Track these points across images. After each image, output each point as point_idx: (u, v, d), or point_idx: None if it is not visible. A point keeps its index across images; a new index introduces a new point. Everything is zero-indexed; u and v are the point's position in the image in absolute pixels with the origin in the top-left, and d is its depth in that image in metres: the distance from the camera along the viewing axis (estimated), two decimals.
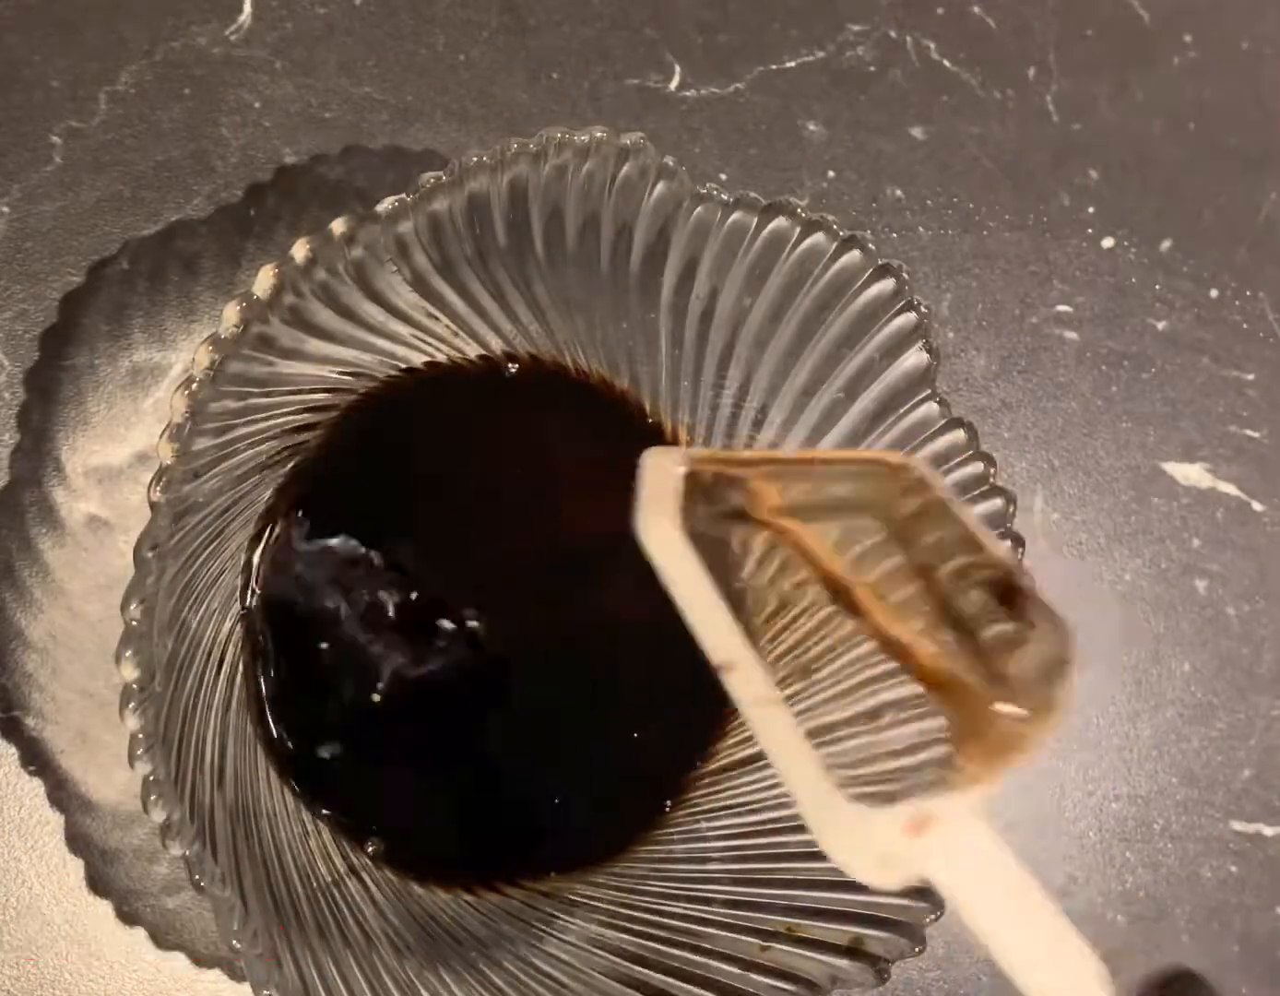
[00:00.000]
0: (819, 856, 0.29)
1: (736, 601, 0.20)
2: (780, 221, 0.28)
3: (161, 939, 0.33)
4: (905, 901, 0.27)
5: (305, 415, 0.30)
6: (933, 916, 0.27)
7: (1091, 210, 0.40)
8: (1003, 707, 0.20)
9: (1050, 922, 0.18)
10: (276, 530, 0.31)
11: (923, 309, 0.28)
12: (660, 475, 0.21)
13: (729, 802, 0.31)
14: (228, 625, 0.30)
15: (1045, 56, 0.41)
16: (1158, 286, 0.40)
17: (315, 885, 0.29)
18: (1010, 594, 0.21)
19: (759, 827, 0.30)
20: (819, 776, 0.19)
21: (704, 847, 0.31)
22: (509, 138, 0.26)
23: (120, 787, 0.33)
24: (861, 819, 0.18)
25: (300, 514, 0.31)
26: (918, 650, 0.22)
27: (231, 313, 0.25)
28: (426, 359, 0.32)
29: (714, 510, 0.22)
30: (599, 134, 0.26)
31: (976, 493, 0.29)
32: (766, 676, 0.19)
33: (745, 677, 0.19)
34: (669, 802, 0.32)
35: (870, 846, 0.18)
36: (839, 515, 0.23)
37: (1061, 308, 0.39)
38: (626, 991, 0.28)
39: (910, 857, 0.18)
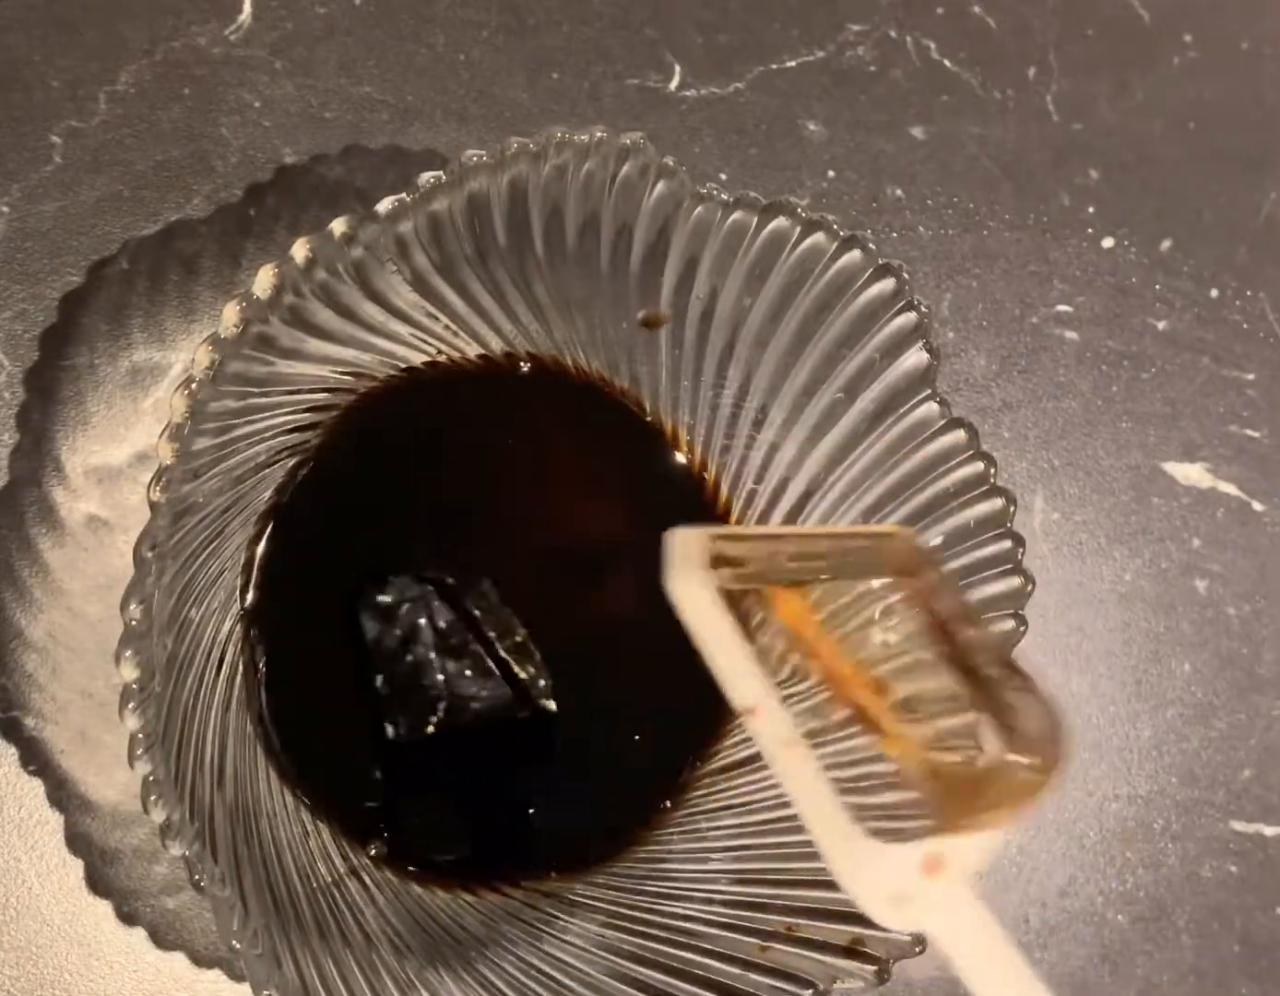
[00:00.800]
0: (819, 856, 0.29)
1: (759, 654, 0.21)
2: (780, 221, 0.28)
3: (161, 939, 0.33)
4: None
5: (305, 415, 0.30)
6: None
7: (1091, 210, 0.40)
8: (1017, 757, 0.21)
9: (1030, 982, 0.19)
10: (277, 530, 0.31)
11: (923, 309, 0.28)
12: (686, 542, 0.22)
13: (729, 802, 0.31)
14: (228, 625, 0.30)
15: (1045, 56, 0.41)
16: (1158, 286, 0.40)
17: (315, 885, 0.29)
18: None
19: (759, 827, 0.30)
20: (839, 814, 0.19)
21: (704, 847, 0.31)
22: (509, 138, 0.26)
23: (120, 787, 0.33)
24: (879, 855, 0.19)
25: (300, 514, 0.31)
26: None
27: (231, 313, 0.25)
28: (426, 359, 0.32)
29: (736, 575, 0.23)
30: (599, 134, 0.26)
31: (977, 492, 0.29)
32: (789, 719, 0.20)
33: (769, 720, 0.20)
34: (669, 802, 0.32)
35: (886, 882, 0.19)
36: (855, 585, 0.24)
37: (1061, 308, 0.39)
38: (626, 991, 0.28)
39: (922, 896, 0.19)
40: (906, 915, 0.19)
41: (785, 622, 0.23)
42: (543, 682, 0.31)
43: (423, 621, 0.31)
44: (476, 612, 0.31)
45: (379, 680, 0.31)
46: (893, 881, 0.19)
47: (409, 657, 0.31)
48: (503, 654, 0.31)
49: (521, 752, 0.33)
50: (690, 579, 0.21)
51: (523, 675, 0.31)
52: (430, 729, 0.31)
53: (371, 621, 0.31)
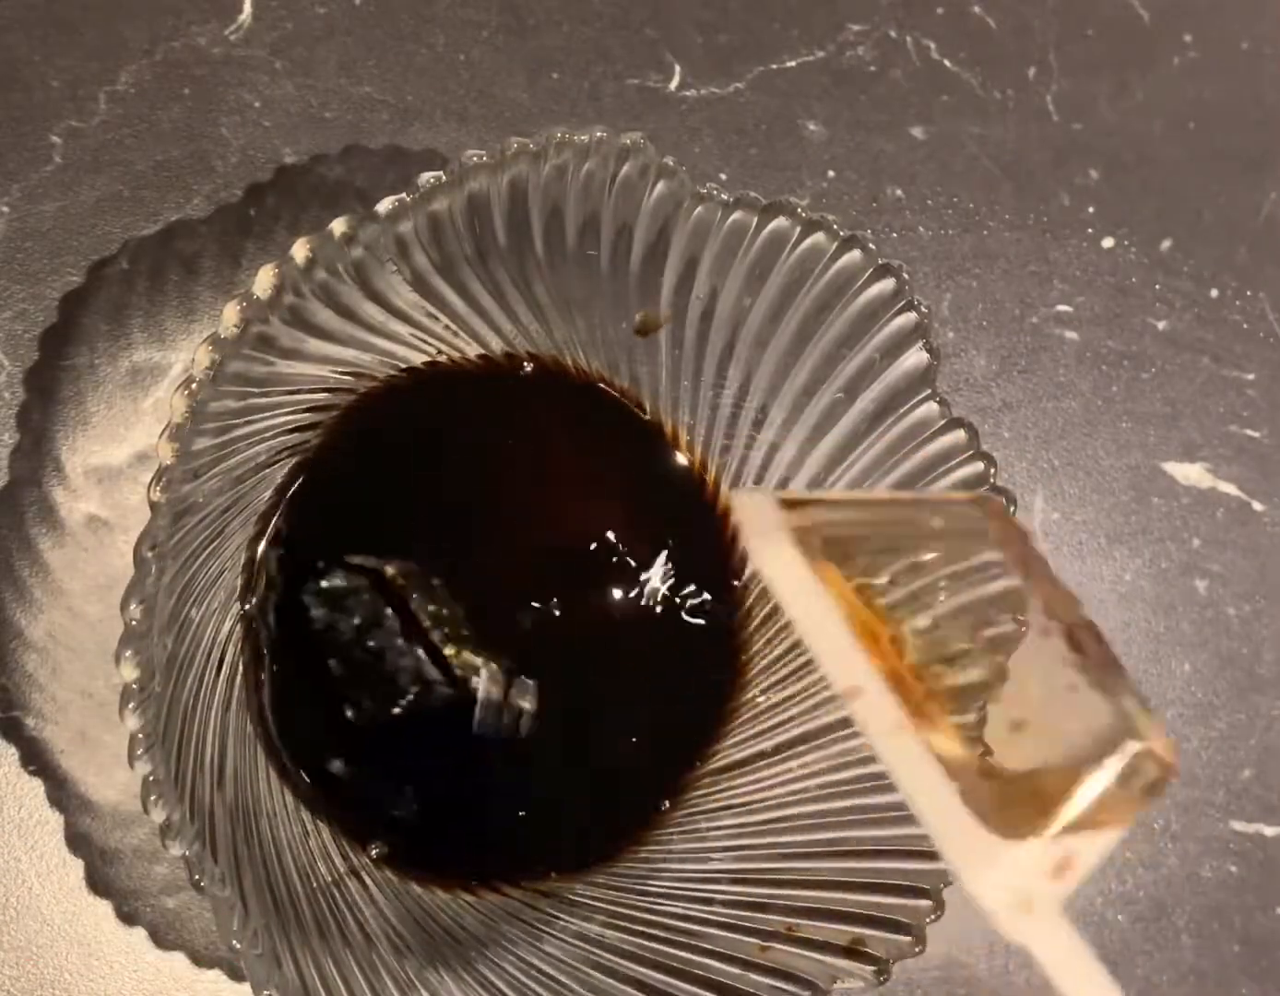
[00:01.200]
0: (819, 856, 0.29)
1: (855, 624, 0.19)
2: (780, 221, 0.28)
3: (161, 939, 0.33)
4: (905, 901, 0.27)
5: (305, 415, 0.30)
6: (933, 916, 0.27)
7: (1091, 210, 0.40)
8: (1148, 745, 0.19)
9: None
10: (277, 530, 0.31)
11: (923, 309, 0.28)
12: (761, 509, 0.20)
13: (729, 802, 0.31)
14: (228, 625, 0.30)
15: (1045, 56, 0.41)
16: (1158, 286, 0.40)
17: (315, 885, 0.29)
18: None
19: (759, 827, 0.30)
20: (957, 804, 0.18)
21: (704, 847, 0.31)
22: (509, 138, 0.26)
23: (120, 787, 0.33)
24: (1003, 853, 0.17)
25: (300, 514, 0.31)
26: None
27: (231, 313, 0.25)
28: (426, 359, 0.32)
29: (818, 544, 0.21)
30: (599, 134, 0.26)
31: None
32: (895, 702, 0.18)
33: (873, 704, 0.19)
34: (669, 802, 0.32)
35: (1012, 883, 0.17)
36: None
37: (1061, 308, 0.39)
38: (626, 991, 0.28)
39: (1049, 899, 0.18)
40: (1031, 918, 0.18)
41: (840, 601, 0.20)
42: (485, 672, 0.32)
43: (387, 610, 0.31)
44: (423, 606, 0.31)
45: (333, 664, 0.31)
46: (1019, 881, 0.17)
47: (370, 643, 0.31)
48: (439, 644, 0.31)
49: (522, 753, 0.33)
50: (780, 551, 0.19)
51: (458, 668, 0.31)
52: (396, 710, 0.31)
53: (319, 609, 0.31)
